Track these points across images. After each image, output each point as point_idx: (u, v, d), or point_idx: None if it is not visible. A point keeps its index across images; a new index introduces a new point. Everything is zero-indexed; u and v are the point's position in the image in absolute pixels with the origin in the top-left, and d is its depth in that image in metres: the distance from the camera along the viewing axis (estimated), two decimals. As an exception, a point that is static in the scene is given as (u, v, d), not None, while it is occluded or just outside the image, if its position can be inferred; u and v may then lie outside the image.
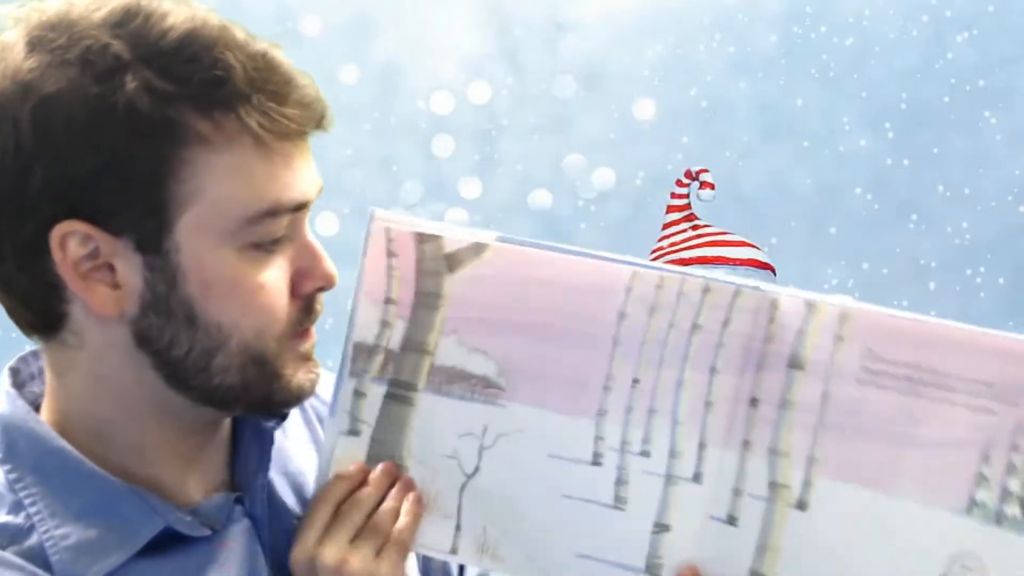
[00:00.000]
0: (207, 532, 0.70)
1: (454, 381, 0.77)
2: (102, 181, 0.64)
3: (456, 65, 2.82)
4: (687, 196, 2.36)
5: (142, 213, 0.65)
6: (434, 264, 0.77)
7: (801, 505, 0.73)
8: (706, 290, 0.74)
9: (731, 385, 0.73)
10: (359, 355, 0.77)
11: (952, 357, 0.70)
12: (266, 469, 0.75)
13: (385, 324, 0.78)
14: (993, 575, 0.70)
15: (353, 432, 0.78)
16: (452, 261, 0.77)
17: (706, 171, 2.43)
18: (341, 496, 0.77)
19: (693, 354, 0.74)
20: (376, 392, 0.78)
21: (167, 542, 0.69)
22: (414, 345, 0.77)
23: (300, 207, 0.68)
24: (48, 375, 0.71)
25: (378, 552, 0.76)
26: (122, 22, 0.64)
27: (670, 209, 2.38)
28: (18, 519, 0.66)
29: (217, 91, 0.63)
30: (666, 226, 2.36)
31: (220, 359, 0.68)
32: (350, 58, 2.80)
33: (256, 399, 0.71)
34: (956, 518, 0.70)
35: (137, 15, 0.64)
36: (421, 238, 0.76)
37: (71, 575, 0.65)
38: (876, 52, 2.78)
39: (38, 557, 0.65)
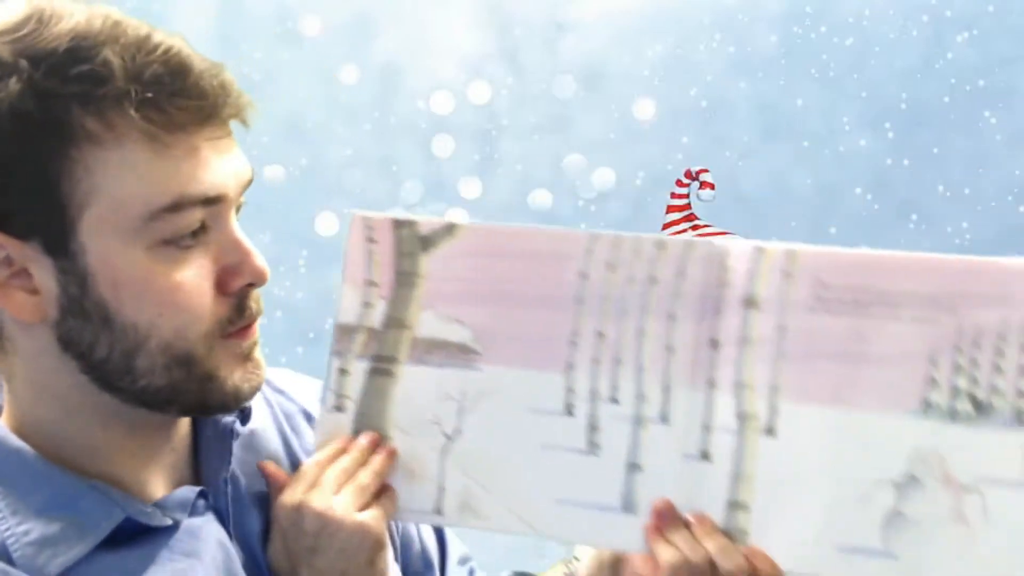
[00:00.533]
0: (168, 522, 0.71)
1: (433, 351, 0.81)
2: None
3: (456, 65, 2.82)
4: (687, 196, 2.37)
5: (43, 215, 0.64)
6: (410, 246, 0.82)
7: (770, 431, 0.77)
8: (660, 246, 0.79)
9: (690, 331, 0.78)
10: (342, 336, 0.81)
11: (894, 278, 0.75)
12: (228, 463, 0.76)
13: (367, 305, 0.82)
14: (951, 466, 0.74)
15: (338, 408, 0.81)
16: (426, 242, 0.82)
17: (706, 171, 2.43)
18: (327, 459, 0.79)
19: (651, 305, 0.79)
20: (359, 369, 0.82)
21: (132, 535, 0.69)
22: (395, 322, 0.81)
23: (211, 201, 0.67)
24: (4, 385, 0.72)
25: (362, 507, 0.77)
26: (15, 29, 0.64)
27: (670, 209, 2.38)
28: None
29: (99, 88, 0.63)
30: (666, 226, 2.36)
31: (141, 361, 0.67)
32: (350, 58, 2.79)
33: (190, 402, 0.70)
34: (913, 420, 0.74)
35: (30, 21, 0.64)
36: (398, 224, 0.82)
37: (34, 569, 0.65)
38: (876, 52, 2.78)
39: (1, 554, 0.65)
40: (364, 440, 0.80)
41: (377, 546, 0.77)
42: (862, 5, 2.77)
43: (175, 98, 0.64)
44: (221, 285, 0.69)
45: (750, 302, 0.77)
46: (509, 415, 0.80)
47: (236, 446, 0.78)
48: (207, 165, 0.66)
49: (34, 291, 0.66)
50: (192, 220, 0.66)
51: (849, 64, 2.78)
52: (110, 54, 0.63)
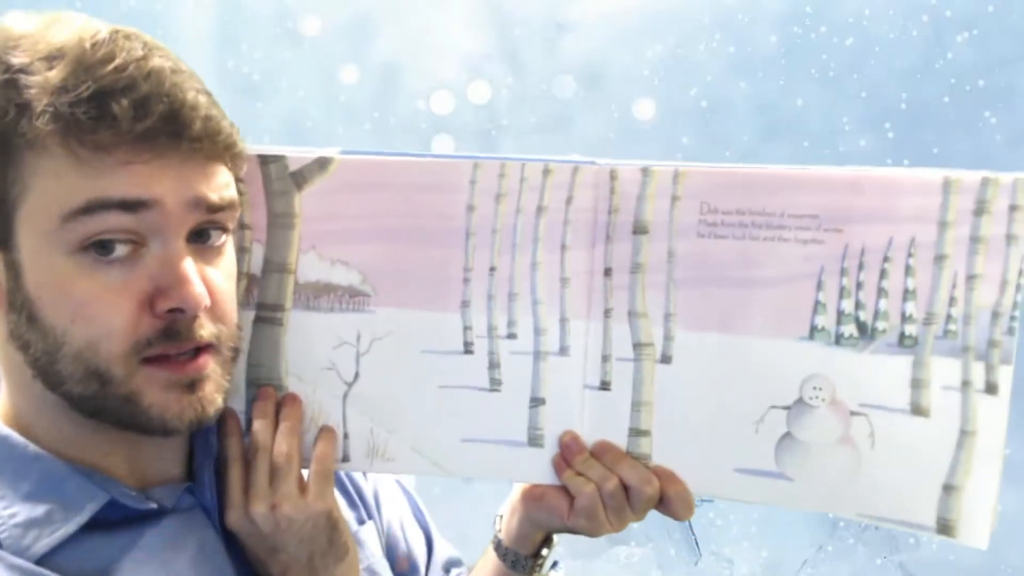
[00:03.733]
0: (152, 506, 0.72)
1: (320, 295, 0.79)
2: None
3: (456, 65, 2.82)
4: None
5: None
6: (281, 184, 0.78)
7: (665, 359, 0.77)
8: (546, 171, 0.77)
9: (583, 259, 0.77)
10: None
11: (777, 197, 0.74)
12: (212, 459, 0.77)
13: (243, 250, 0.79)
14: (839, 390, 0.75)
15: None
16: (299, 179, 0.78)
17: (706, 171, 2.43)
18: (239, 449, 0.79)
19: (542, 235, 0.77)
20: (246, 318, 0.79)
21: (118, 522, 0.71)
22: (275, 266, 0.78)
23: (129, 205, 0.67)
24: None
25: (303, 488, 0.78)
26: (12, 39, 0.69)
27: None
28: None
29: (35, 101, 0.66)
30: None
31: (60, 365, 0.68)
32: (350, 58, 2.79)
33: (114, 418, 0.70)
34: (801, 345, 0.75)
35: (25, 37, 0.68)
36: (264, 160, 0.78)
37: (20, 550, 0.67)
38: (876, 52, 2.78)
39: None
40: (260, 402, 0.79)
41: (331, 523, 0.78)
42: (862, 5, 2.77)
43: (96, 121, 0.66)
44: (151, 304, 0.69)
45: (640, 228, 0.76)
46: (408, 357, 0.79)
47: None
48: (136, 175, 0.67)
49: None
50: (109, 225, 0.67)
51: (849, 64, 2.78)
52: (49, 72, 0.66)
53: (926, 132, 2.78)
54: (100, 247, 0.67)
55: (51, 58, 0.67)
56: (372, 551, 0.87)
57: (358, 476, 0.90)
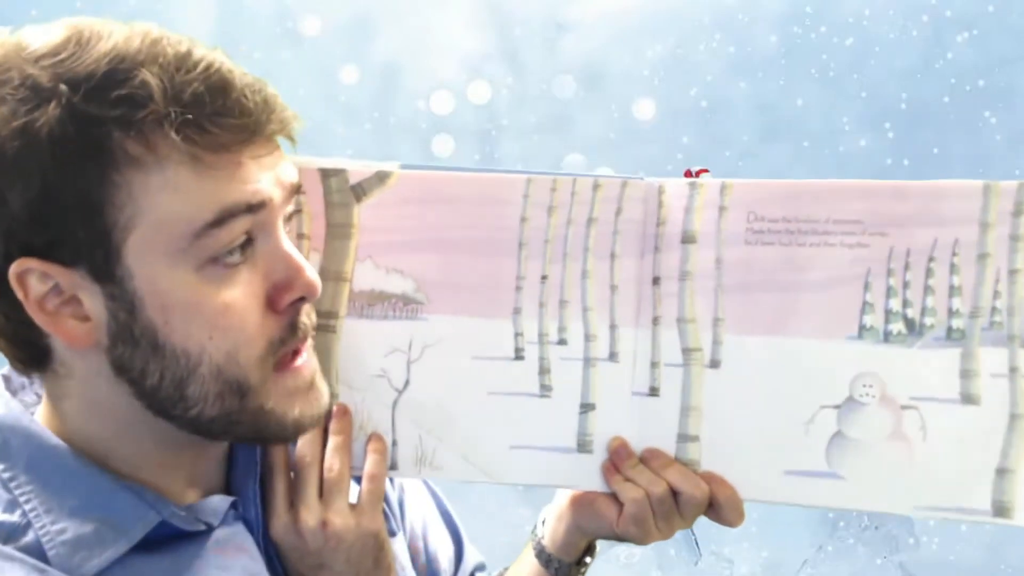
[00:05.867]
0: (201, 527, 0.70)
1: (374, 303, 0.80)
2: (38, 212, 0.61)
3: (456, 65, 2.82)
4: (687, 196, 2.36)
5: (87, 242, 0.62)
6: (341, 196, 0.79)
7: (714, 364, 0.79)
8: (596, 186, 0.79)
9: (632, 268, 0.79)
10: None
11: (822, 205, 0.77)
12: (256, 475, 0.76)
13: None
14: (889, 386, 0.77)
15: None
16: (359, 191, 0.79)
17: (706, 171, 2.43)
18: (284, 458, 0.78)
19: (592, 245, 0.79)
20: None
21: (164, 540, 0.69)
22: (331, 275, 0.78)
23: (254, 208, 0.65)
24: (45, 400, 0.71)
25: (353, 504, 0.77)
26: (55, 52, 0.62)
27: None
28: (13, 517, 0.65)
29: (138, 111, 0.61)
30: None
31: (193, 389, 0.65)
32: (350, 58, 2.79)
33: (244, 432, 0.69)
34: (850, 344, 0.77)
35: (68, 45, 0.62)
36: (326, 173, 0.79)
37: (69, 569, 0.64)
38: (876, 52, 2.78)
39: (36, 553, 0.65)
40: None
41: (379, 544, 0.77)
42: (862, 5, 2.77)
43: (216, 117, 0.63)
44: (271, 303, 0.67)
45: (688, 238, 0.78)
46: (459, 364, 0.80)
47: (261, 454, 0.77)
48: (252, 176, 0.65)
49: (85, 318, 0.65)
50: (238, 232, 0.65)
51: (849, 64, 2.78)
52: (148, 75, 0.61)
53: (926, 132, 2.78)
54: (227, 254, 0.65)
55: (127, 66, 0.62)
56: (403, 563, 0.86)
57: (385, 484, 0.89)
